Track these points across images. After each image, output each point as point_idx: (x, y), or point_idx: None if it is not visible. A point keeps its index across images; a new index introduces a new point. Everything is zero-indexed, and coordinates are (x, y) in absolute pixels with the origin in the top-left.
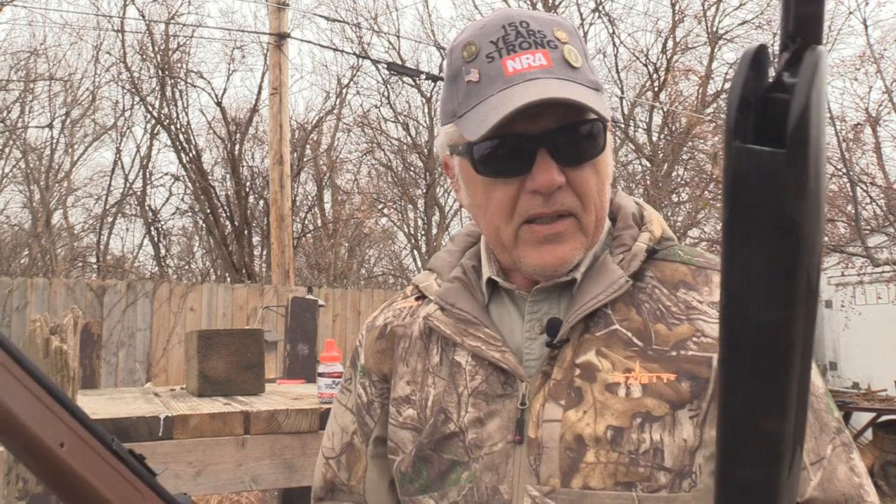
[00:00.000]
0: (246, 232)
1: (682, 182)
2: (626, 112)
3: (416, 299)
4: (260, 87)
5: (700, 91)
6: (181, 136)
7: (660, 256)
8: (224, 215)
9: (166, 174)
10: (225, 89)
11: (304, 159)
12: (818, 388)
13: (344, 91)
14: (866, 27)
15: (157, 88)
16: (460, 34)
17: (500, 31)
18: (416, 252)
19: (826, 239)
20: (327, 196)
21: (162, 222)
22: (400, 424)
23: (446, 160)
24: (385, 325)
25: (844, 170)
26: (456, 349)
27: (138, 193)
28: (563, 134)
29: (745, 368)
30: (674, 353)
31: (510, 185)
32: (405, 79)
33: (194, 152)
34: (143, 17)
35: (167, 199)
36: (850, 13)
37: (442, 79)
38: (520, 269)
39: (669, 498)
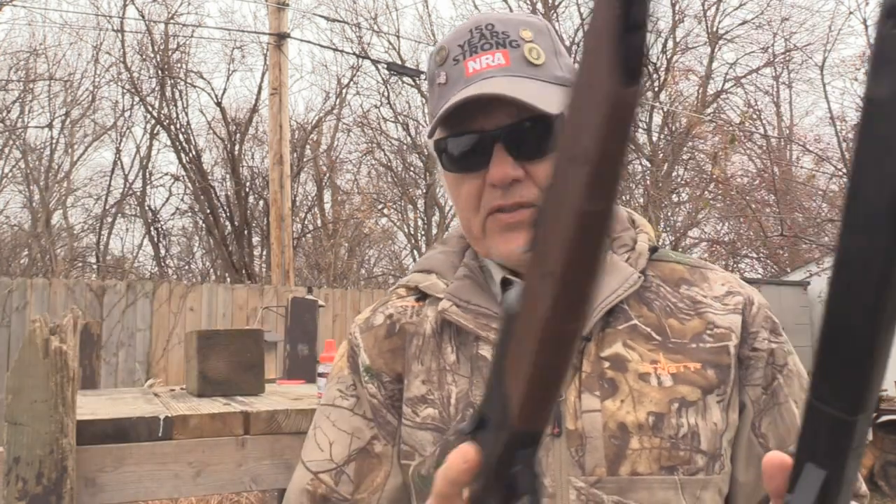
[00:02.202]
0: (246, 232)
1: (682, 182)
2: None
3: (417, 300)
4: (260, 87)
5: (700, 91)
6: (181, 137)
7: (656, 257)
8: (224, 215)
9: (166, 174)
10: (225, 89)
11: (304, 159)
12: (805, 373)
13: (344, 91)
14: (866, 27)
15: (156, 88)
16: (440, 41)
17: (467, 34)
18: (416, 252)
19: (826, 239)
20: (327, 196)
21: (162, 222)
22: (417, 425)
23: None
24: (392, 322)
25: (845, 170)
26: (479, 344)
27: (138, 193)
28: (517, 129)
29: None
30: (693, 346)
31: (474, 179)
32: (405, 79)
33: (194, 152)
34: (143, 17)
35: (167, 199)
36: (851, 13)
37: None
38: (493, 258)
39: (706, 480)
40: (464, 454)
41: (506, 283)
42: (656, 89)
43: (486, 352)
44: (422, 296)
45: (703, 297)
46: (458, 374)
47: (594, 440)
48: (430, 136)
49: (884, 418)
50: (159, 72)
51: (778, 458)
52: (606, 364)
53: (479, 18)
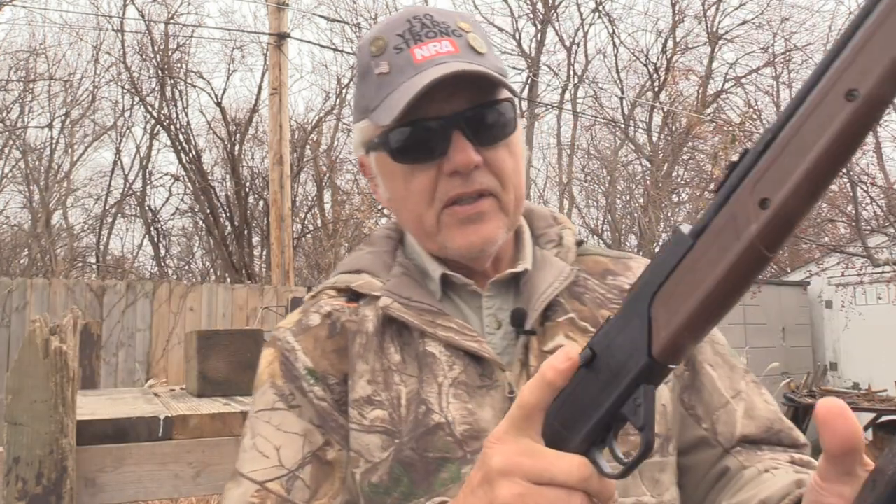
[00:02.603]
0: (246, 232)
1: (682, 182)
2: (626, 112)
3: (348, 301)
4: (260, 88)
5: (700, 91)
6: (181, 137)
7: (579, 252)
8: (224, 215)
9: (166, 174)
10: (225, 89)
11: (304, 159)
12: (720, 338)
13: (344, 91)
14: None
15: (156, 88)
16: (367, 33)
17: (406, 24)
18: None
19: (826, 239)
20: (327, 196)
21: (162, 222)
22: (366, 428)
23: (362, 160)
24: (333, 322)
25: (845, 170)
26: (425, 340)
27: (138, 193)
28: (475, 114)
29: None
30: None
31: (428, 169)
32: None
33: (194, 152)
34: (143, 17)
35: (167, 199)
36: (851, 13)
37: None
38: (447, 254)
39: (662, 462)
40: (567, 352)
41: (446, 280)
42: (656, 89)
43: (433, 348)
44: (353, 297)
45: (630, 286)
46: (405, 373)
47: None
48: (387, 125)
49: (884, 418)
50: (159, 72)
51: (834, 406)
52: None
53: (413, 10)
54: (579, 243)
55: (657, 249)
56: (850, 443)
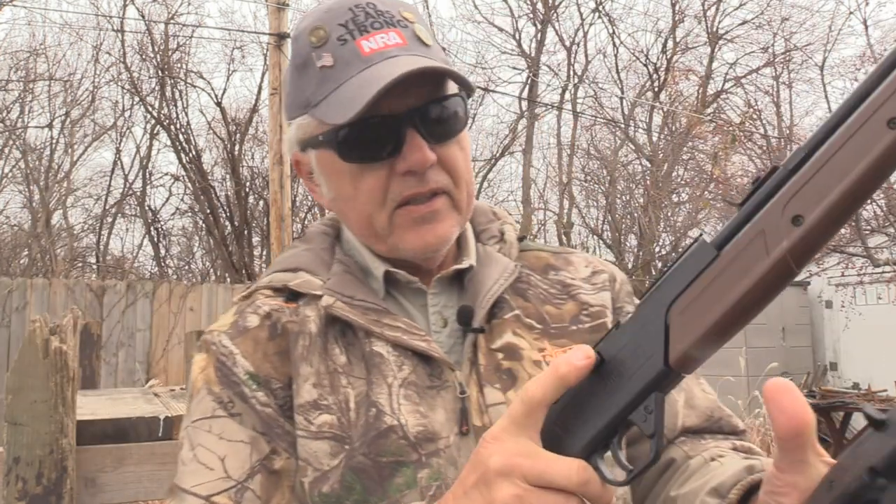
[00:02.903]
0: (246, 232)
1: (682, 182)
2: (626, 112)
3: (286, 301)
4: (260, 87)
5: (700, 91)
6: (181, 137)
7: (521, 247)
8: (224, 215)
9: (166, 174)
10: (225, 89)
11: None
12: None
13: None
14: (866, 27)
15: (156, 88)
16: (303, 21)
17: (348, 13)
18: None
19: None
20: None
21: (162, 222)
22: (313, 434)
23: (297, 158)
24: (273, 323)
25: None
26: (371, 340)
27: (138, 193)
28: (429, 111)
29: None
30: (574, 328)
31: (380, 169)
32: None
33: (194, 152)
34: (143, 17)
35: (167, 199)
36: (851, 13)
37: None
38: (398, 255)
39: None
40: (585, 350)
41: (389, 278)
42: (656, 89)
43: (381, 348)
44: (291, 296)
45: (572, 280)
46: (352, 375)
47: None
48: (338, 123)
49: None
50: (159, 72)
51: (781, 384)
52: (500, 355)
53: None
54: (521, 239)
55: (674, 255)
56: (797, 420)
